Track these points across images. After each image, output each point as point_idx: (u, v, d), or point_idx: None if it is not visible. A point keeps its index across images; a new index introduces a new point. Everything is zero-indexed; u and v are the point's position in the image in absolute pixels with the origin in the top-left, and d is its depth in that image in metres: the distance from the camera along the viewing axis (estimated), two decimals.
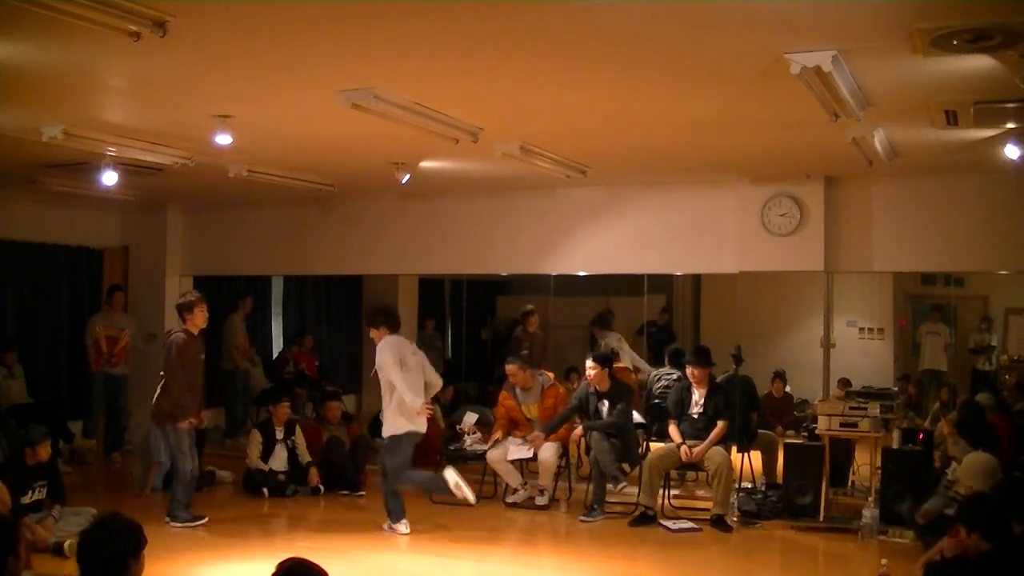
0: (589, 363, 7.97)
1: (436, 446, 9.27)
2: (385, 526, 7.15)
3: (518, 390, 8.20)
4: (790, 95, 5.04)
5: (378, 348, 7.08)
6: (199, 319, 7.31)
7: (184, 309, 7.32)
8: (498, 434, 8.24)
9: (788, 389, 9.84)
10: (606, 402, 7.87)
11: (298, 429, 8.75)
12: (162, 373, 7.27)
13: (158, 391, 7.28)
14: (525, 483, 8.19)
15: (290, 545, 6.83)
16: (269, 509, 8.13)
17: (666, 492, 7.87)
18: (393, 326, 7.17)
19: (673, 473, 8.20)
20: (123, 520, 3.32)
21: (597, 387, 7.91)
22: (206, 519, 7.29)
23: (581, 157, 7.52)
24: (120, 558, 3.18)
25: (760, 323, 9.67)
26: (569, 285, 9.56)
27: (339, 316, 13.07)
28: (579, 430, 8.06)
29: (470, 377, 11.52)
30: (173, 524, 7.12)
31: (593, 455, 7.73)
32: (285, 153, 7.54)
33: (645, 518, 7.46)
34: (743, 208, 8.31)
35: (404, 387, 6.87)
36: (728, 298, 9.31)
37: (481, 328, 12.97)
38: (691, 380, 7.81)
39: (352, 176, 8.60)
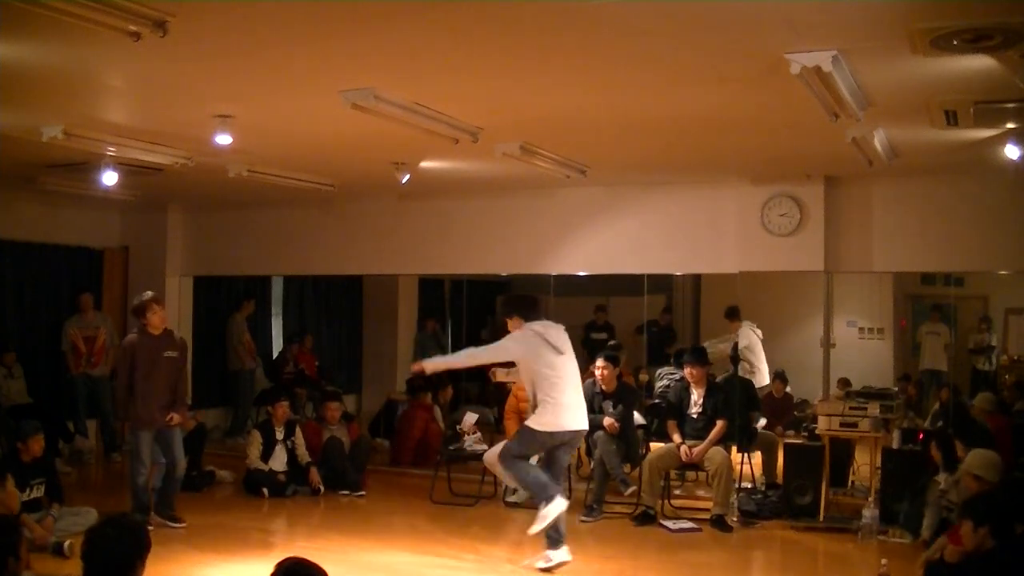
0: (600, 362, 7.94)
1: (436, 446, 9.29)
2: (541, 561, 6.13)
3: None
4: (790, 95, 5.04)
5: (513, 333, 6.27)
6: (154, 320, 7.11)
7: (137, 312, 7.17)
8: (515, 429, 8.04)
9: (788, 389, 9.84)
10: (610, 403, 7.87)
11: (298, 430, 8.75)
12: None
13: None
14: None
15: (290, 545, 6.84)
16: (269, 509, 8.13)
17: (666, 492, 7.87)
18: (527, 314, 6.28)
19: (673, 473, 8.20)
20: (132, 521, 3.33)
21: (604, 387, 7.90)
22: (184, 524, 7.15)
23: (581, 157, 7.52)
24: (128, 558, 3.18)
25: (760, 323, 9.67)
26: (569, 285, 9.57)
27: (339, 316, 13.08)
28: None
29: (470, 377, 11.51)
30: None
31: (598, 455, 7.73)
32: (285, 153, 7.54)
33: (645, 518, 7.47)
34: (743, 208, 8.31)
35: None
36: (728, 298, 9.31)
37: (481, 328, 12.96)
38: (689, 380, 7.82)
39: (352, 176, 8.60)
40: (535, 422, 6.12)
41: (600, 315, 11.56)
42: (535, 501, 6.12)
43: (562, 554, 6.08)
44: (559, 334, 6.24)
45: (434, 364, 6.36)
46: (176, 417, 7.12)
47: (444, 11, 4.01)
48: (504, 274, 10.97)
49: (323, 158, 7.81)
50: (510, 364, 6.87)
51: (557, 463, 6.32)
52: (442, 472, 8.54)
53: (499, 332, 13.12)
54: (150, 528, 6.76)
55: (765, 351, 9.84)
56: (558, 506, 5.99)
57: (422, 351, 12.46)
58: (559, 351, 6.15)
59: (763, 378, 9.56)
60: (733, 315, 9.46)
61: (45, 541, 6.30)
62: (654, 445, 8.08)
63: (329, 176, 8.70)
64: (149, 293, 7.41)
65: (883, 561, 5.63)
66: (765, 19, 4.07)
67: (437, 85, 5.28)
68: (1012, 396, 9.12)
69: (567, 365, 6.18)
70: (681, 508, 7.89)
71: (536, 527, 6.04)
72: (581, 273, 9.34)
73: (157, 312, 7.16)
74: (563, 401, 6.11)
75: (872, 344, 10.43)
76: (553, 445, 6.19)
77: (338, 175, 8.66)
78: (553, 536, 6.10)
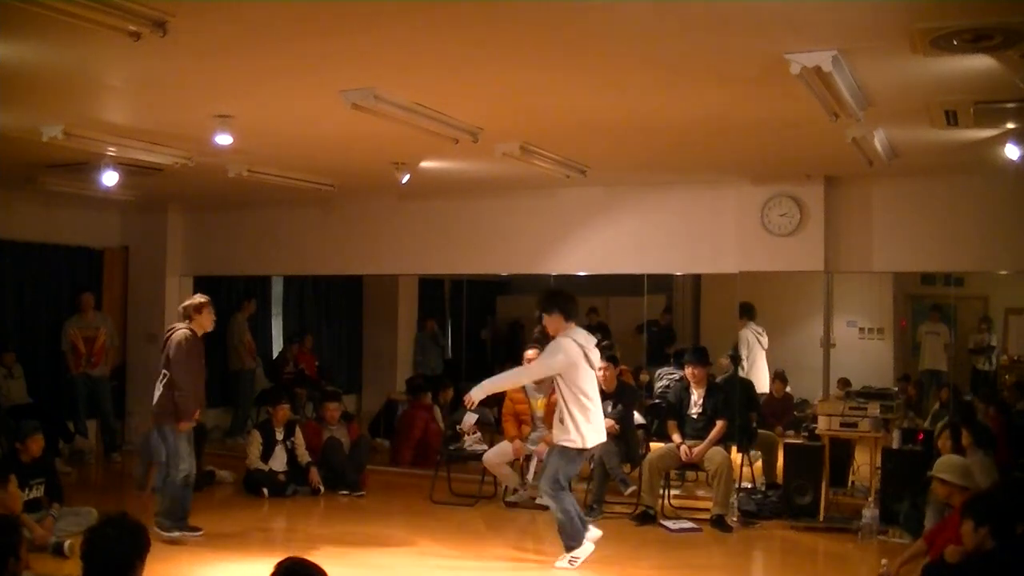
0: (600, 363, 7.90)
1: (436, 446, 9.30)
2: (565, 561, 6.19)
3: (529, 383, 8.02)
4: (790, 95, 5.04)
5: (556, 343, 6.16)
6: (206, 321, 7.00)
7: (193, 310, 6.97)
8: (513, 432, 7.99)
9: (788, 389, 9.83)
10: (610, 403, 7.86)
11: (297, 430, 8.75)
12: (165, 372, 6.87)
13: (160, 390, 6.87)
14: (524, 483, 8.18)
15: (290, 545, 6.83)
16: (269, 509, 8.13)
17: (666, 492, 7.87)
18: (568, 311, 6.25)
19: (673, 473, 8.20)
20: (131, 521, 3.32)
21: (604, 387, 7.88)
22: (201, 532, 6.87)
23: (581, 157, 7.52)
24: (127, 558, 3.18)
25: (760, 323, 9.66)
26: (569, 285, 9.55)
27: (339, 316, 13.08)
28: None
29: (470, 377, 11.50)
30: (162, 533, 6.67)
31: (598, 455, 7.72)
32: (285, 153, 7.53)
33: (645, 518, 7.47)
34: (743, 208, 8.31)
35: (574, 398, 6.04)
36: (728, 298, 9.31)
37: (481, 328, 12.97)
38: (690, 380, 7.81)
39: (352, 176, 8.60)
40: (570, 440, 6.14)
41: (592, 316, 11.55)
42: (567, 540, 6.18)
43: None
44: (595, 348, 6.31)
45: (483, 390, 6.24)
46: (197, 414, 7.03)
47: (444, 11, 4.01)
48: (504, 274, 10.97)
49: (323, 158, 7.81)
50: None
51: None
52: (442, 472, 8.54)
53: (500, 332, 13.18)
54: (176, 535, 6.73)
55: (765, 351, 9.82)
56: (588, 549, 6.17)
57: (422, 351, 12.49)
58: (593, 366, 6.25)
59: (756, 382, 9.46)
60: (743, 313, 9.46)
61: (45, 541, 6.30)
62: (654, 445, 8.08)
63: (329, 176, 8.70)
64: (204, 295, 7.22)
65: (883, 561, 5.64)
66: (765, 19, 4.07)
67: (437, 85, 5.28)
68: (1012, 396, 9.11)
69: (594, 379, 6.27)
70: (681, 508, 7.90)
71: (566, 563, 6.13)
72: (581, 273, 9.34)
73: (211, 314, 7.04)
74: (596, 416, 6.22)
75: (872, 344, 10.42)
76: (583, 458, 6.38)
77: (338, 175, 8.66)
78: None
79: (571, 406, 6.15)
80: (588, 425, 6.15)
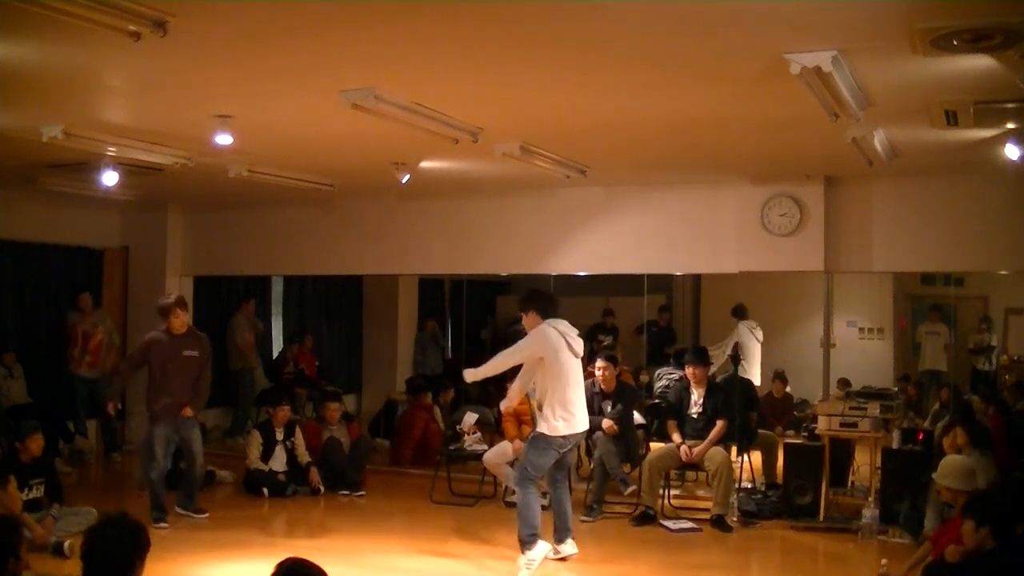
0: (600, 363, 7.93)
1: (436, 446, 9.30)
2: (550, 552, 6.24)
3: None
4: (790, 95, 5.04)
5: (535, 330, 6.22)
6: (173, 321, 7.28)
7: (161, 312, 7.33)
8: (513, 432, 7.95)
9: (788, 389, 9.84)
10: (610, 403, 7.87)
11: (297, 430, 8.75)
12: None
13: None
14: None
15: (290, 545, 6.83)
16: (269, 509, 8.13)
17: (666, 492, 7.87)
18: (545, 310, 6.27)
19: (673, 473, 8.20)
20: (131, 521, 3.32)
21: (604, 387, 7.90)
22: (206, 514, 7.47)
23: (581, 157, 7.52)
24: (128, 558, 3.18)
25: (760, 323, 9.66)
26: (569, 285, 9.58)
27: (339, 316, 13.08)
28: None
29: None
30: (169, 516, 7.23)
31: (598, 455, 7.72)
32: (285, 153, 7.54)
33: (645, 518, 7.47)
34: (743, 208, 8.31)
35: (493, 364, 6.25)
36: (728, 298, 9.31)
37: (481, 328, 12.97)
38: (690, 380, 7.82)
39: (352, 176, 8.60)
40: (548, 428, 6.12)
41: (608, 319, 11.55)
42: (521, 535, 6.11)
43: (543, 548, 6.13)
44: (577, 337, 6.32)
45: (474, 373, 6.40)
46: (188, 409, 7.29)
47: (445, 11, 4.01)
48: (504, 274, 10.96)
49: (323, 158, 7.81)
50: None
51: (564, 461, 6.43)
52: (442, 472, 8.54)
53: (500, 332, 13.18)
54: (164, 526, 6.98)
55: (765, 351, 9.82)
56: (542, 549, 6.09)
57: (422, 351, 12.50)
58: (576, 354, 6.23)
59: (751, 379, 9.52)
60: (736, 313, 9.47)
61: (45, 541, 6.30)
62: (654, 445, 8.08)
63: (329, 176, 8.70)
64: (174, 295, 7.63)
65: (883, 561, 5.64)
66: (765, 19, 4.07)
67: (437, 85, 5.28)
68: (1012, 396, 9.11)
69: (576, 367, 6.27)
70: (681, 508, 7.90)
71: (524, 573, 6.04)
72: (581, 273, 9.34)
73: (179, 316, 7.33)
74: (576, 403, 6.21)
75: (872, 344, 10.43)
76: (566, 449, 6.30)
77: (338, 175, 8.66)
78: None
79: (546, 395, 6.16)
80: (561, 415, 6.10)
